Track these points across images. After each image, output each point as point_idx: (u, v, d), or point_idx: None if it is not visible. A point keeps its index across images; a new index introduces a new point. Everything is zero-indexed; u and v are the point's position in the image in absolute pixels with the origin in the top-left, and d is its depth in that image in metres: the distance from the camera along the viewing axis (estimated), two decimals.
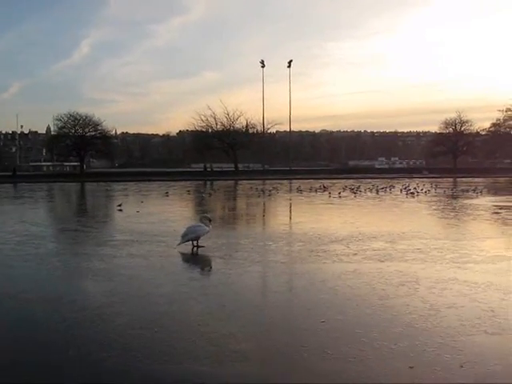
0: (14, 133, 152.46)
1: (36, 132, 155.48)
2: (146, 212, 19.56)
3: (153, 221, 16.47)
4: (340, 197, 27.08)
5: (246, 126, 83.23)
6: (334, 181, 47.47)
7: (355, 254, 10.04)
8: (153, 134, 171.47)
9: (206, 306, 6.67)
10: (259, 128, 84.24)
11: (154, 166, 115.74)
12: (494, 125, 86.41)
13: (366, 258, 9.56)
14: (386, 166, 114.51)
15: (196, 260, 10.19)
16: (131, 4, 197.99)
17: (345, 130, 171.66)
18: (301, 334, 5.51)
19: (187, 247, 10.61)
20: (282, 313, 6.42)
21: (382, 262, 9.26)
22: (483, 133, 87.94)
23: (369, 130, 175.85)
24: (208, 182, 50.36)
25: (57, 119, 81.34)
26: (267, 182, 48.56)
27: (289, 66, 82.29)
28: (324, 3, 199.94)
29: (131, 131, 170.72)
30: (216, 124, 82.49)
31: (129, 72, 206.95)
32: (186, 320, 6.03)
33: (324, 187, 34.03)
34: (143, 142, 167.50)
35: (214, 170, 75.45)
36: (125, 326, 5.78)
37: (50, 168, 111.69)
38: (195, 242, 10.68)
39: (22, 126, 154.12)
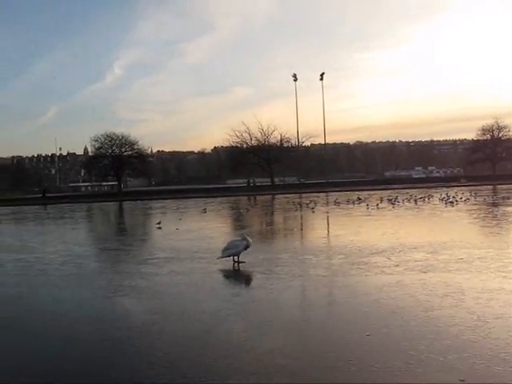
0: (53, 155, 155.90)
1: (74, 153, 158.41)
2: (184, 229, 19.71)
3: (192, 238, 16.59)
4: (378, 208, 26.85)
5: (281, 140, 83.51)
6: (371, 192, 47.12)
7: (397, 265, 9.94)
8: (188, 152, 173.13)
9: (250, 322, 6.70)
10: (293, 142, 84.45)
11: (190, 183, 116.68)
12: None
13: (409, 270, 9.46)
14: (423, 176, 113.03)
15: (237, 276, 10.22)
16: (160, 24, 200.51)
17: (379, 140, 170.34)
18: (346, 347, 5.47)
19: (228, 263, 10.66)
20: (325, 327, 6.39)
21: (425, 272, 9.14)
22: None
23: (404, 140, 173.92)
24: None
25: (94, 140, 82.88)
26: (303, 195, 48.47)
27: (321, 79, 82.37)
28: (352, 14, 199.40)
29: (167, 149, 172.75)
30: (251, 139, 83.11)
31: (161, 91, 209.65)
32: (230, 336, 6.05)
33: (358, 199, 33.83)
34: (179, 159, 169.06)
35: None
36: (170, 344, 5.83)
37: (89, 188, 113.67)
38: (236, 258, 10.72)
39: (60, 148, 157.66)
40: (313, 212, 26.66)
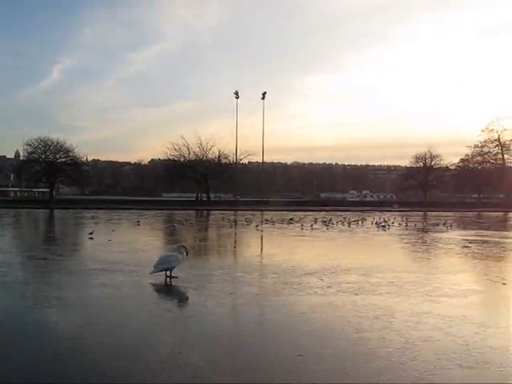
0: None
1: (4, 156, 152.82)
2: (117, 241, 19.32)
3: (124, 250, 16.27)
4: (312, 229, 27.15)
5: (219, 156, 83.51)
6: (307, 213, 47.67)
7: (329, 286, 10.04)
8: (124, 162, 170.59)
9: (181, 338, 6.59)
10: (232, 158, 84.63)
11: (125, 194, 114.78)
12: (462, 160, 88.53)
13: (341, 291, 9.56)
14: (358, 199, 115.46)
15: (170, 291, 10.06)
16: (106, 31, 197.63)
17: (317, 162, 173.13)
18: (277, 367, 5.45)
19: (161, 278, 10.48)
20: (257, 346, 6.35)
21: (357, 295, 9.27)
22: (452, 168, 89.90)
23: (340, 163, 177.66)
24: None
25: (27, 144, 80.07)
26: (239, 212, 48.53)
27: (263, 98, 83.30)
28: (298, 36, 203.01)
29: (103, 158, 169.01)
30: (189, 153, 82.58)
31: (102, 99, 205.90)
32: (159, 352, 5.92)
33: (291, 219, 34.12)
34: (114, 169, 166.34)
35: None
36: (97, 359, 5.65)
37: (18, 194, 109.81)
38: (168, 273, 10.56)
39: None
40: (247, 228, 26.70)
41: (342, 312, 7.89)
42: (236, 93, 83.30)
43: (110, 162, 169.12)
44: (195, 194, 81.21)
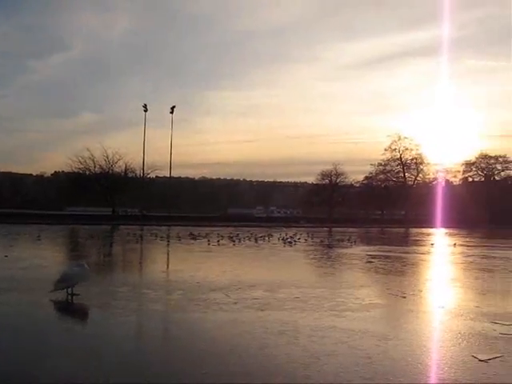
0: None
1: None
2: (15, 257, 18.37)
3: (23, 266, 15.51)
4: (219, 245, 27.10)
5: (125, 170, 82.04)
6: (213, 228, 47.54)
7: (235, 302, 9.99)
8: (25, 174, 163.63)
9: (80, 359, 6.30)
10: (139, 172, 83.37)
11: (26, 207, 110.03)
12: (366, 178, 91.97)
13: (247, 307, 9.54)
14: (264, 215, 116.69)
15: (70, 309, 9.64)
16: (7, 37, 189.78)
17: (224, 177, 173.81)
18: None
19: (62, 295, 10.02)
20: (161, 363, 6.18)
21: (263, 310, 9.27)
22: (357, 185, 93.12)
23: (248, 179, 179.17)
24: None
25: None
26: (145, 227, 47.72)
27: (171, 112, 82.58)
28: (209, 52, 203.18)
29: (2, 169, 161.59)
30: (94, 166, 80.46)
31: (2, 107, 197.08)
32: (54, 375, 5.64)
33: (197, 235, 33.90)
34: (14, 181, 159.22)
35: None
36: None
37: None
38: (70, 290, 10.12)
39: None
40: (154, 244, 26.28)
41: (248, 328, 7.85)
42: (144, 106, 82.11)
43: (10, 173, 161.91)
44: (101, 208, 79.24)
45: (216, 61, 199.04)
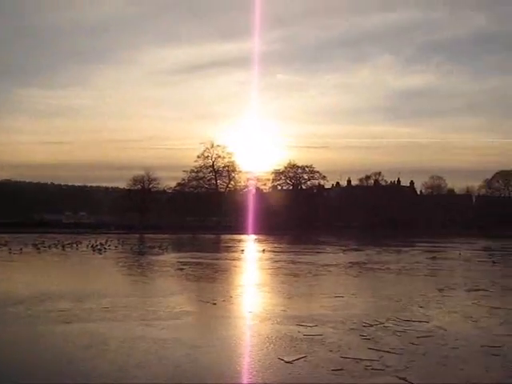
0: None
1: None
2: None
3: None
4: (22, 253, 25.49)
5: None
6: (15, 235, 44.58)
7: (38, 316, 9.40)
8: None
9: None
10: None
11: None
12: (179, 184, 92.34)
13: (51, 321, 9.03)
14: (73, 221, 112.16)
15: None
16: None
17: (30, 180, 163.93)
18: None
19: None
20: None
21: (68, 323, 8.84)
22: (170, 191, 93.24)
23: (56, 182, 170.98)
24: None
25: None
26: None
27: None
28: (19, 48, 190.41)
29: None
30: None
31: None
32: None
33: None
34: None
35: None
36: None
37: None
38: None
39: None
40: None
41: (53, 342, 7.44)
42: None
43: None
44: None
45: (27, 56, 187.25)
